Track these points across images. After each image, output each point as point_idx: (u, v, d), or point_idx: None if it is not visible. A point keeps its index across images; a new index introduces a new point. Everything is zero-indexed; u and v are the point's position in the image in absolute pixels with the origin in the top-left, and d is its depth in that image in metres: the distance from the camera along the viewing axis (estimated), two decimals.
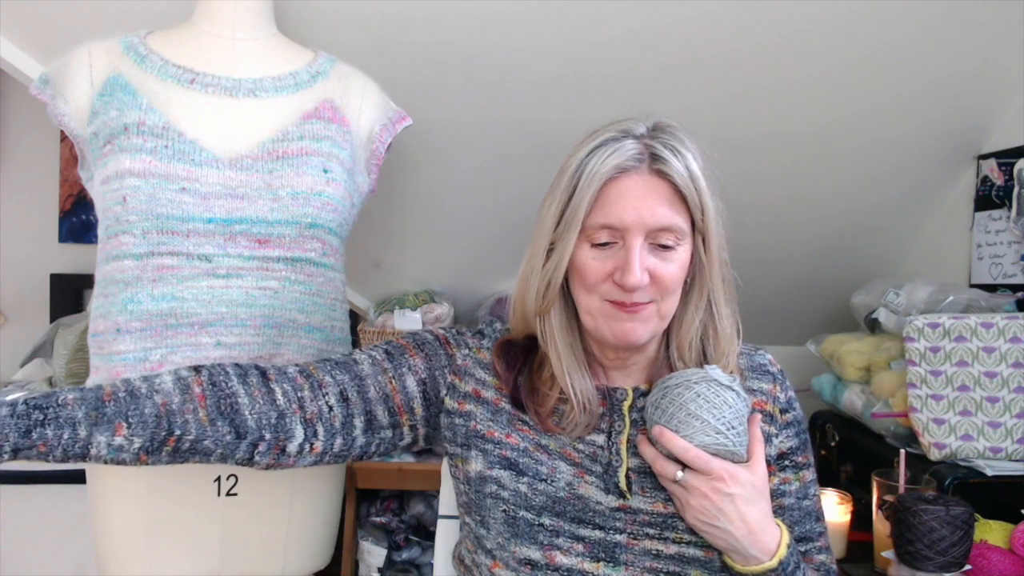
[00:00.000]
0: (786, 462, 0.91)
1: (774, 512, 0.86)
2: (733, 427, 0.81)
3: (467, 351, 0.94)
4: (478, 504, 0.88)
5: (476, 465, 0.88)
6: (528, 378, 0.90)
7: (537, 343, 0.90)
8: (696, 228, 0.85)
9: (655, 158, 0.82)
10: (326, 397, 0.90)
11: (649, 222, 0.81)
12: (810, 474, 0.92)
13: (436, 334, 0.96)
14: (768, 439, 0.89)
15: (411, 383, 0.92)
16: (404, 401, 0.92)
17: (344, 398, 0.91)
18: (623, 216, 0.81)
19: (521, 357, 0.91)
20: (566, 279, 0.87)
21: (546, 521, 0.85)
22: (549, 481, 0.86)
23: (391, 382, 0.92)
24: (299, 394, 0.90)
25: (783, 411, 0.91)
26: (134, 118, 1.09)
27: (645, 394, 0.90)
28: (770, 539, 0.81)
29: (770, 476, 0.88)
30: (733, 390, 0.82)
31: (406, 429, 0.94)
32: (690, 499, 0.80)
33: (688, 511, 0.81)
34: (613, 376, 0.92)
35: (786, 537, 0.82)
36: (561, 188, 0.85)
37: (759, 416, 0.87)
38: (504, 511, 0.86)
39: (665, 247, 0.83)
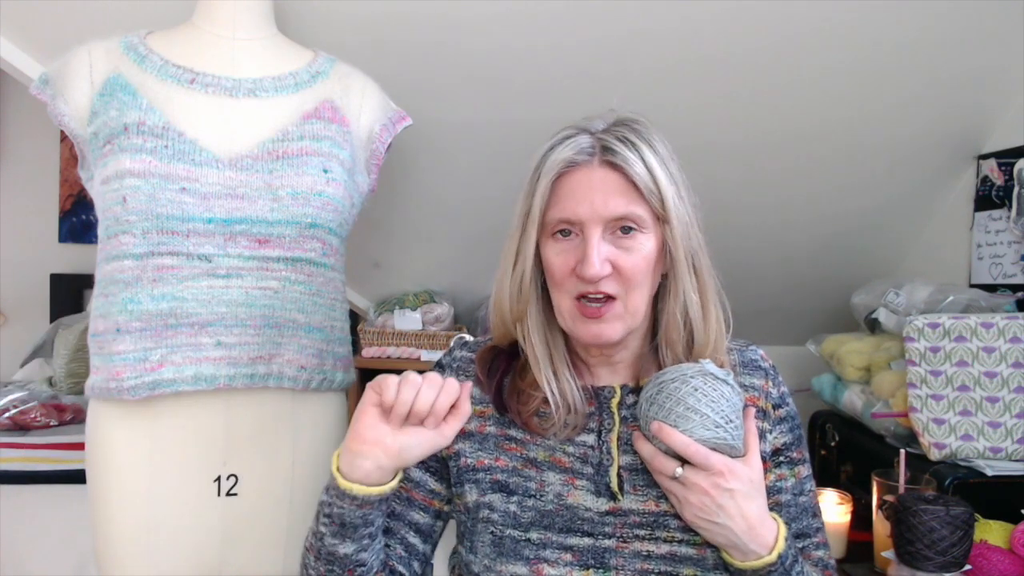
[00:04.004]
0: (781, 458, 0.90)
1: (771, 509, 0.86)
2: (731, 420, 0.80)
3: None
4: (471, 530, 0.88)
5: (471, 496, 0.88)
6: (512, 380, 0.89)
7: (522, 349, 0.90)
8: (660, 219, 0.84)
9: (606, 150, 0.83)
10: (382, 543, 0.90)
11: (603, 213, 0.81)
12: (805, 470, 0.92)
13: None
14: (762, 435, 0.88)
15: (416, 474, 0.92)
16: (424, 493, 0.92)
17: (387, 530, 0.91)
18: (576, 209, 0.82)
19: (505, 362, 0.91)
20: (544, 281, 0.88)
21: (533, 536, 0.84)
22: (538, 496, 0.86)
23: (403, 488, 0.92)
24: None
25: (776, 407, 0.91)
26: (134, 118, 1.09)
27: (633, 391, 0.89)
28: (768, 533, 0.81)
29: (765, 473, 0.88)
30: (728, 384, 0.82)
31: (446, 507, 0.94)
32: (689, 496, 0.80)
33: (687, 508, 0.81)
34: (600, 374, 0.91)
35: (783, 531, 0.82)
36: (524, 190, 0.86)
37: (753, 410, 0.87)
38: (492, 533, 0.85)
39: (626, 234, 0.82)
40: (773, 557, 0.80)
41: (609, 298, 0.83)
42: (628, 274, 0.82)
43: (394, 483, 0.82)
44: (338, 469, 0.81)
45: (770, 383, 0.92)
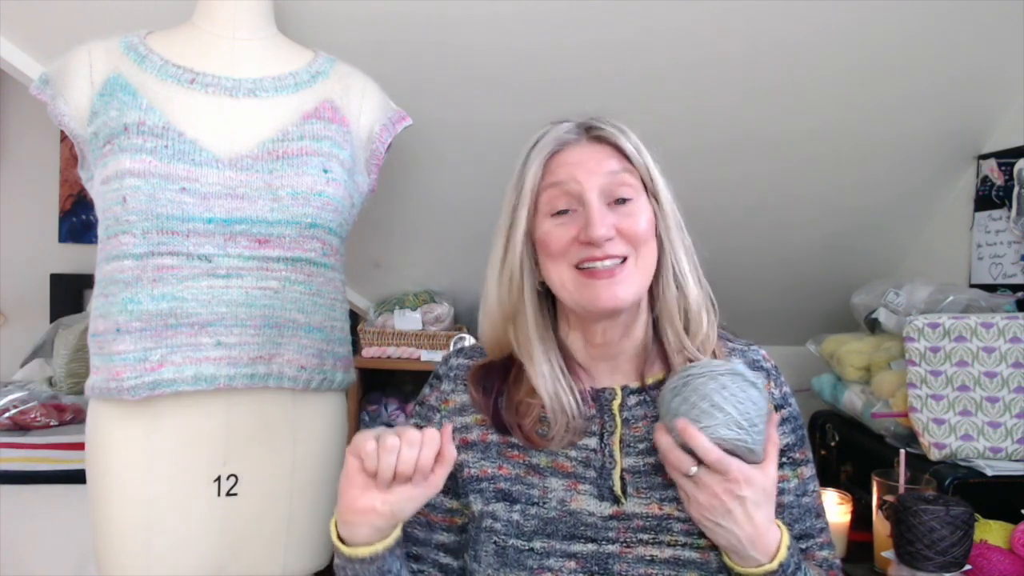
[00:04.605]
0: (783, 459, 0.89)
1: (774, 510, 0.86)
2: (755, 424, 0.78)
3: (438, 415, 0.92)
4: (474, 539, 0.88)
5: (476, 506, 0.88)
6: (507, 396, 0.88)
7: (513, 363, 0.90)
8: (649, 191, 0.86)
9: (591, 129, 0.86)
10: (412, 571, 0.90)
11: (599, 173, 0.83)
12: (808, 470, 0.91)
13: None
14: None
15: (432, 498, 0.91)
16: (443, 514, 0.92)
17: (416, 557, 0.92)
18: (573, 175, 0.83)
19: (498, 380, 0.90)
20: (537, 284, 0.87)
21: (536, 545, 0.84)
22: (541, 504, 0.85)
23: (421, 513, 0.91)
24: None
25: (779, 407, 0.90)
26: (134, 118, 1.09)
27: (634, 392, 0.89)
28: (771, 541, 0.80)
29: None
30: (757, 388, 0.80)
31: (464, 519, 0.93)
32: (699, 495, 0.79)
33: (694, 505, 0.80)
34: (600, 375, 0.90)
35: (786, 539, 0.81)
36: (511, 183, 0.87)
37: (778, 417, 0.85)
38: (495, 542, 0.85)
39: (624, 201, 0.84)
40: (774, 565, 0.79)
41: (622, 261, 0.83)
42: (633, 234, 0.83)
43: (397, 531, 0.82)
44: (338, 537, 0.82)
45: (772, 383, 0.91)
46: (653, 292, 0.88)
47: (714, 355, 0.89)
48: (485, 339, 0.92)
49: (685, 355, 0.87)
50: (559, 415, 0.85)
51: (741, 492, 0.77)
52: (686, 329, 0.88)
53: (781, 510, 0.88)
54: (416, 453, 0.77)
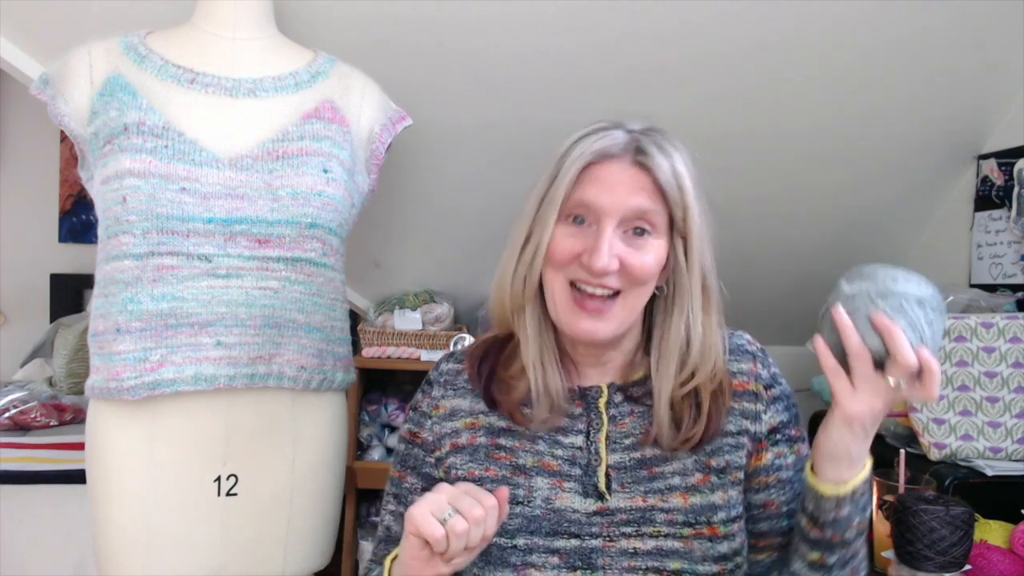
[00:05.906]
0: (778, 436, 0.89)
1: (772, 486, 0.87)
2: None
3: (430, 421, 0.93)
4: None
5: None
6: (497, 372, 0.89)
7: (510, 341, 0.90)
8: (676, 229, 0.84)
9: (640, 151, 0.83)
10: None
11: (624, 205, 0.81)
12: (805, 448, 0.91)
13: (404, 437, 0.96)
14: (756, 416, 0.88)
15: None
16: None
17: None
18: (599, 197, 0.81)
19: (496, 356, 0.91)
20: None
21: (520, 542, 0.84)
22: (526, 503, 0.86)
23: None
24: None
25: (768, 387, 0.89)
26: (134, 118, 1.09)
27: (620, 389, 0.89)
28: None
29: (764, 452, 0.87)
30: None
31: None
32: (879, 400, 0.78)
33: (866, 407, 0.78)
34: (588, 374, 0.91)
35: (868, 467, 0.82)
36: (546, 174, 0.85)
37: None
38: None
39: (639, 235, 0.82)
40: (858, 481, 0.80)
41: (614, 294, 0.82)
42: (636, 273, 0.82)
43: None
44: None
45: (759, 365, 0.91)
46: (651, 316, 0.88)
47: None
48: (493, 315, 0.92)
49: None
50: (543, 397, 0.86)
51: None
52: (683, 364, 0.86)
53: (780, 486, 0.88)
54: (483, 530, 0.76)
